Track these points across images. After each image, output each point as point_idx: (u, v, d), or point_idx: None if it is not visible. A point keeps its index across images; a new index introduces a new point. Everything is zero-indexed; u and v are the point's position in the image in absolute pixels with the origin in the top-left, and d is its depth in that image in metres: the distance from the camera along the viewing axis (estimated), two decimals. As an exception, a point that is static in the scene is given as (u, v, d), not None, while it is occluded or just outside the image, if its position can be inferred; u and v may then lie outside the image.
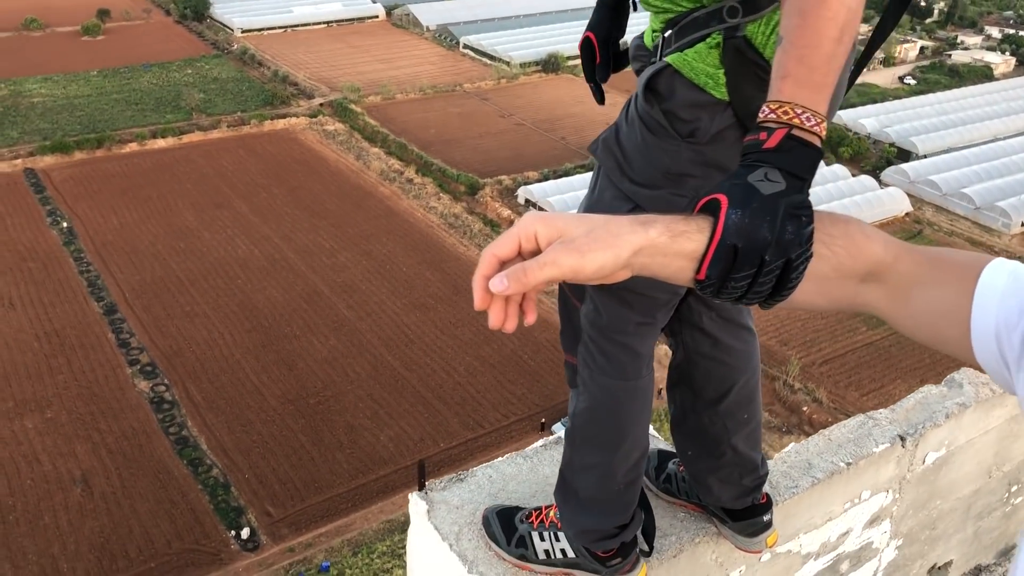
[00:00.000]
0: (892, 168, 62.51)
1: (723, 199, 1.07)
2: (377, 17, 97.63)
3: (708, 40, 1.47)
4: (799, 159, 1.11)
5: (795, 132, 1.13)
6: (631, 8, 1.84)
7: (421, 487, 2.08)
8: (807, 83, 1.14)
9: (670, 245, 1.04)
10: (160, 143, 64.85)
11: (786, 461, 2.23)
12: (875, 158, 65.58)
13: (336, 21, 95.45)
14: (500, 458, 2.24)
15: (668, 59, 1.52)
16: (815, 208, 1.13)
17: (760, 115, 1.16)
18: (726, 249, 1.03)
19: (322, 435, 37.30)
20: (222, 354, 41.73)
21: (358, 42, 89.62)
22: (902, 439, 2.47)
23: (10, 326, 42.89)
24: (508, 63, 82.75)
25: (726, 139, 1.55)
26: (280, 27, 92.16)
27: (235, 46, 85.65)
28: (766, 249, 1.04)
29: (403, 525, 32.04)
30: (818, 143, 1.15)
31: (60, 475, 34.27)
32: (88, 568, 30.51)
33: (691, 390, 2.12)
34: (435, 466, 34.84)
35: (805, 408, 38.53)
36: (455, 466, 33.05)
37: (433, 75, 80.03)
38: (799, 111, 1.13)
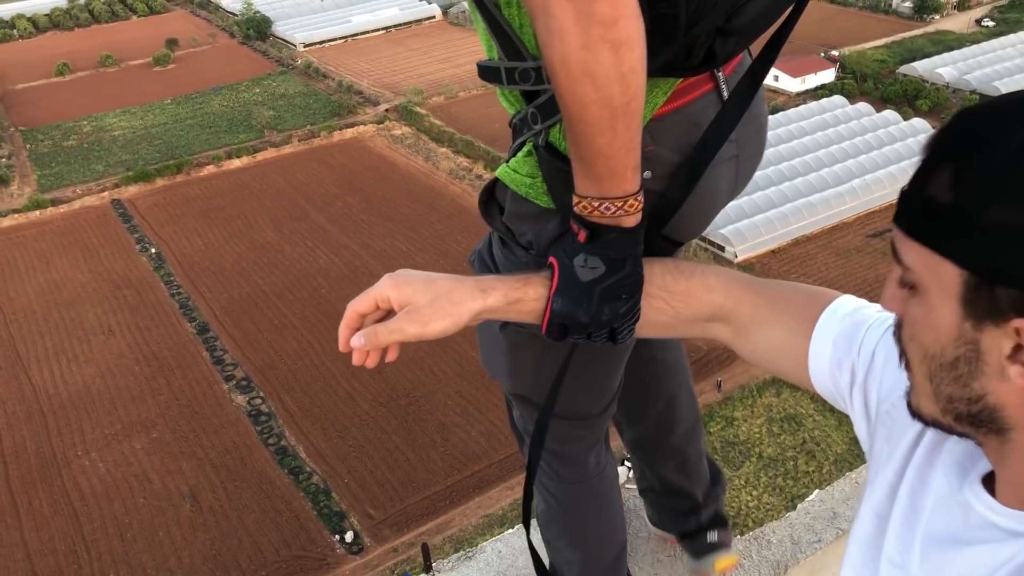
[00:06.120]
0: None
1: (555, 269, 1.23)
2: (434, 18, 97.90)
3: (525, 147, 1.39)
4: (612, 245, 1.20)
5: (600, 224, 1.19)
6: None
7: (427, 569, 2.05)
8: (591, 177, 1.16)
9: (507, 309, 1.25)
10: (236, 163, 66.67)
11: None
12: (956, 108, 62.84)
13: (394, 26, 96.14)
14: (512, 529, 2.19)
15: (497, 173, 1.49)
16: (660, 259, 1.32)
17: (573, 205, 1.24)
18: (556, 325, 1.24)
19: (415, 435, 37.87)
20: (312, 363, 42.72)
21: (417, 44, 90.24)
22: None
23: (111, 352, 44.78)
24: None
25: None
26: (340, 38, 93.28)
27: (299, 61, 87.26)
28: (587, 327, 1.23)
29: (502, 519, 32.28)
30: (631, 223, 1.20)
31: (170, 492, 35.68)
32: (203, 580, 31.73)
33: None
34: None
35: None
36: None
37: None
38: (596, 204, 1.17)
